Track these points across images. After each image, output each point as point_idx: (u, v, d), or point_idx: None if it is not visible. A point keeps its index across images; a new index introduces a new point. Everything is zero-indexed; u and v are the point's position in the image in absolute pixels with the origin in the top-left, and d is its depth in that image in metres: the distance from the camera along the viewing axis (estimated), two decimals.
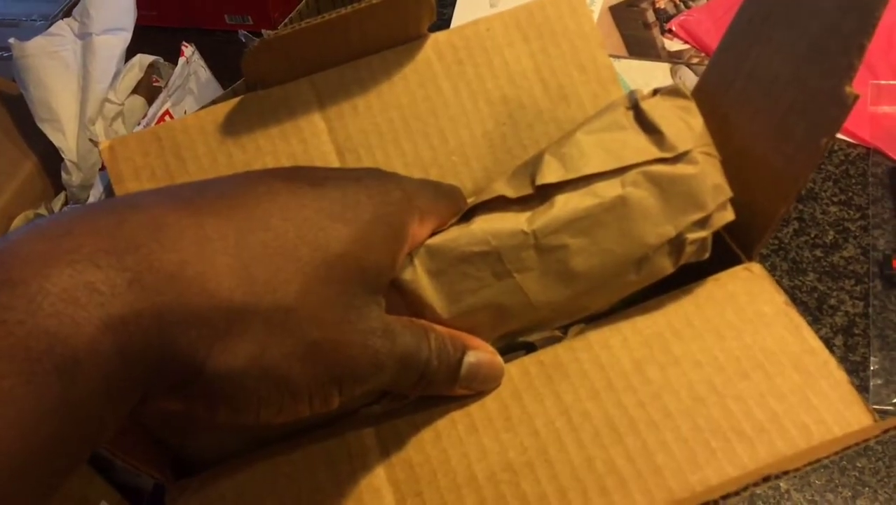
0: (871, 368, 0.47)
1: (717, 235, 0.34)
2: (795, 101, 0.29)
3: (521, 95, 0.37)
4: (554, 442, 0.29)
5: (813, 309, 0.51)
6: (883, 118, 0.59)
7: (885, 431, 0.25)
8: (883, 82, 0.61)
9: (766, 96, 0.31)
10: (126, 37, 0.61)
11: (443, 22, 0.71)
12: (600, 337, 0.31)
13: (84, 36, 0.65)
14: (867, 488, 0.43)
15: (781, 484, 0.44)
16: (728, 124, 0.33)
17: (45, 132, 0.57)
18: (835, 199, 0.56)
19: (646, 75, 0.64)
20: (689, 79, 0.64)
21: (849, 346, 0.49)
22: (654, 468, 0.28)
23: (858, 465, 0.44)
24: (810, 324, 0.49)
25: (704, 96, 0.33)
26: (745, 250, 0.33)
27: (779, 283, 0.51)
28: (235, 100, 0.36)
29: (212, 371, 0.22)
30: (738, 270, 0.32)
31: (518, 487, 0.28)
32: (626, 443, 0.28)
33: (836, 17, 0.27)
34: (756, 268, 0.32)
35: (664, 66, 0.65)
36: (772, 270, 0.53)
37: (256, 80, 0.35)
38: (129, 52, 0.59)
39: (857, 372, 0.48)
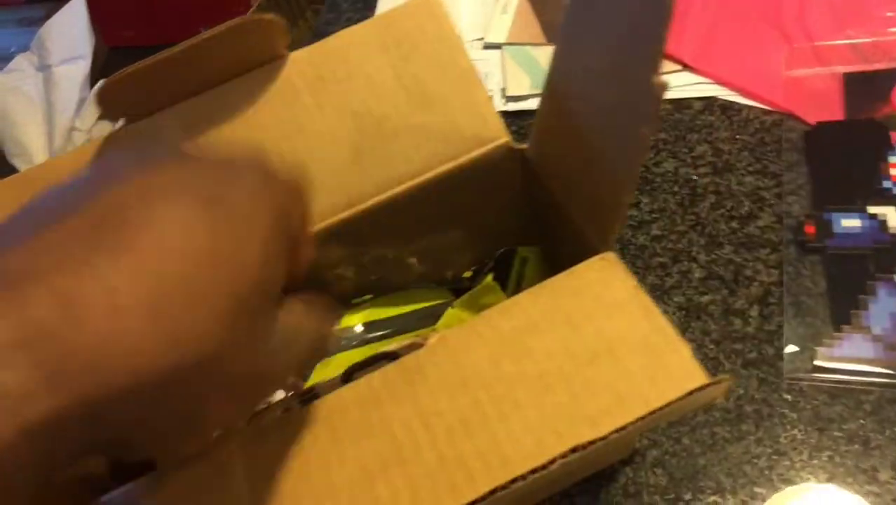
0: (785, 335, 0.47)
1: (576, 229, 0.34)
2: (619, 93, 0.30)
3: (384, 105, 0.37)
4: (410, 444, 0.29)
5: (729, 281, 0.51)
6: (797, 82, 0.59)
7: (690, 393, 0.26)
8: (796, 46, 0.61)
9: (598, 89, 0.31)
10: (85, 64, 0.62)
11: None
12: (459, 339, 0.32)
13: (43, 68, 0.66)
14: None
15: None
16: (574, 119, 0.33)
17: (17, 167, 0.59)
18: (750, 169, 0.56)
19: None
20: None
21: (764, 315, 0.49)
22: (503, 460, 0.28)
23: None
24: (726, 297, 0.49)
25: (553, 92, 0.34)
26: (601, 241, 0.34)
27: (695, 258, 0.51)
28: (102, 137, 0.36)
29: (140, 439, 0.22)
30: (593, 260, 0.33)
31: (373, 491, 0.29)
32: (477, 438, 0.29)
33: (636, 6, 0.27)
34: (610, 256, 0.33)
35: None
36: (689, 245, 0.53)
37: (118, 114, 0.36)
38: (106, 75, 0.60)
39: (771, 341, 0.48)
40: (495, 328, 0.32)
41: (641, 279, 0.52)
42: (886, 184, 0.52)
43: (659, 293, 0.52)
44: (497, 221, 0.43)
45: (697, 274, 0.52)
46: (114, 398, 0.20)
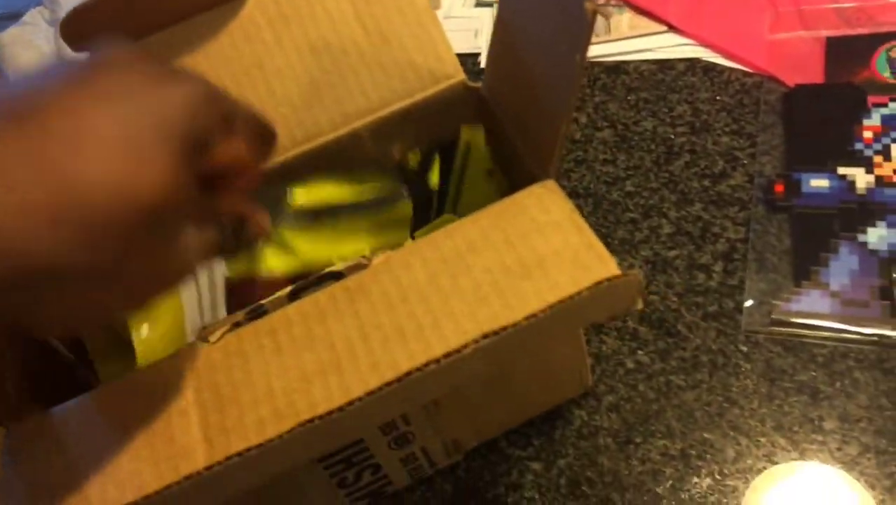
0: (746, 290, 0.48)
1: (518, 161, 0.35)
2: (557, 21, 0.31)
3: (343, 42, 0.38)
4: (347, 352, 0.31)
5: (696, 238, 0.52)
6: (780, 45, 0.59)
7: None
8: (782, 9, 0.61)
9: (537, 20, 0.32)
10: None
11: None
12: (402, 259, 0.33)
13: (55, 22, 0.67)
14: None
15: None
16: (518, 52, 0.34)
17: None
18: (727, 129, 0.57)
19: None
20: None
21: (727, 270, 0.50)
22: (429, 353, 0.30)
23: None
24: (692, 252, 0.50)
25: (503, 25, 0.35)
26: (541, 170, 0.34)
27: (665, 214, 0.52)
28: None
29: (33, 322, 0.25)
30: (533, 187, 0.34)
31: (309, 394, 0.30)
32: (410, 344, 0.30)
33: None
34: (550, 184, 0.34)
35: None
36: (660, 202, 0.54)
37: (81, 44, 0.37)
38: None
39: (732, 295, 0.49)
40: (437, 249, 0.33)
41: (611, 233, 0.53)
42: (858, 146, 0.52)
43: (627, 247, 0.52)
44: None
45: (666, 229, 0.53)
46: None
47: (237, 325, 0.34)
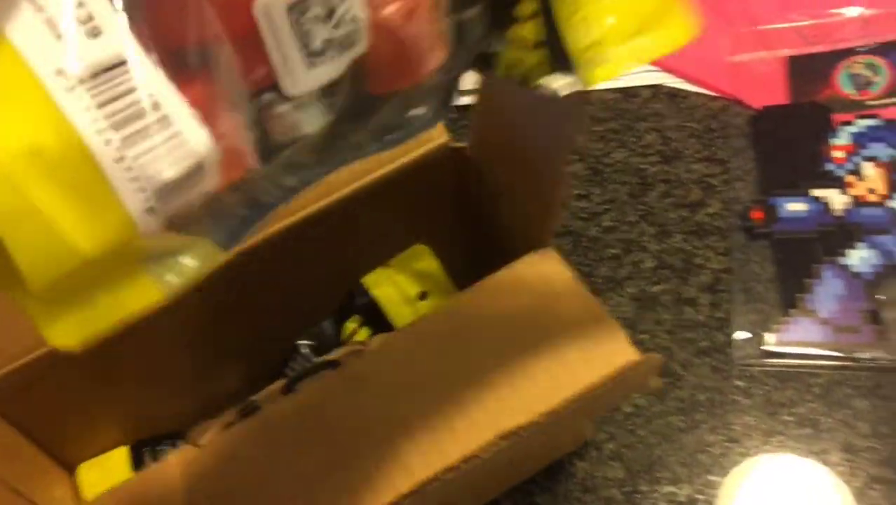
0: (734, 322, 0.48)
1: (511, 225, 0.34)
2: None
3: None
4: (350, 449, 0.29)
5: (680, 270, 0.51)
6: (741, 67, 0.59)
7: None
8: (740, 30, 0.61)
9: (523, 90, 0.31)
10: None
11: None
12: (400, 343, 0.31)
13: None
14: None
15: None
16: (507, 115, 0.33)
17: None
18: (698, 156, 0.56)
19: None
20: None
21: (714, 303, 0.49)
22: (442, 454, 0.28)
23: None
24: (678, 286, 0.50)
25: (487, 87, 0.33)
26: (537, 239, 0.33)
27: (646, 248, 0.51)
28: None
29: None
30: (530, 256, 0.33)
31: (311, 497, 0.28)
32: (418, 439, 0.29)
33: None
34: (548, 252, 0.33)
35: None
36: (640, 236, 0.53)
37: None
38: None
39: (721, 329, 0.48)
40: (436, 331, 0.31)
41: (594, 271, 0.52)
42: (829, 166, 0.53)
43: (612, 284, 0.52)
44: (428, 219, 0.43)
45: (649, 263, 0.52)
46: None
47: (229, 425, 0.32)
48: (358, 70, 0.20)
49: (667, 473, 0.44)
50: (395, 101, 0.22)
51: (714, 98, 0.59)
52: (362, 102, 0.21)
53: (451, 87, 0.24)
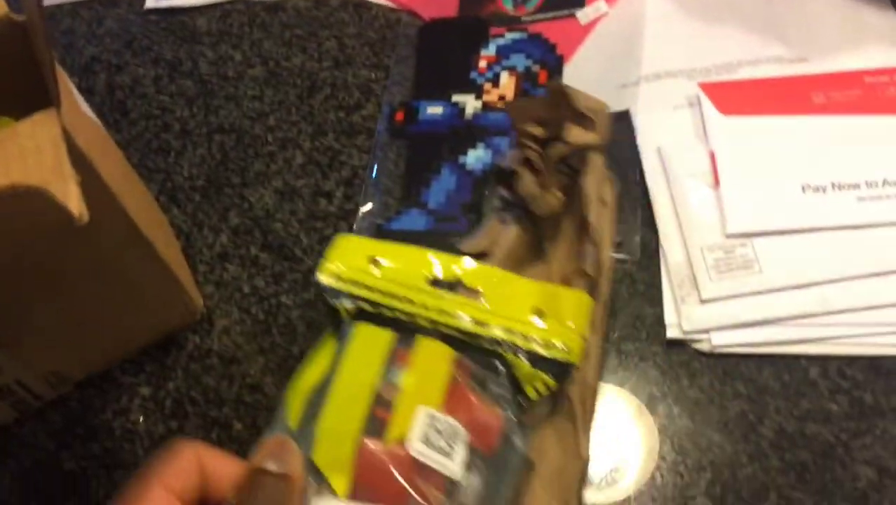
0: (360, 211, 0.51)
1: None
2: None
3: None
4: None
5: (324, 166, 0.54)
6: None
7: None
8: None
9: None
10: None
11: None
12: None
13: None
14: None
15: None
16: None
17: None
18: (367, 63, 0.59)
19: None
20: None
21: (347, 196, 0.53)
22: None
23: None
24: (318, 181, 0.52)
25: None
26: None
27: (300, 146, 0.54)
28: None
29: None
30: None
31: None
32: None
33: None
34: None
35: None
36: (298, 134, 0.56)
37: None
38: None
39: (347, 218, 0.52)
40: None
41: (248, 166, 0.55)
42: (473, 75, 0.56)
43: (262, 178, 0.54)
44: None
45: (299, 160, 0.55)
46: None
47: None
48: None
49: (266, 343, 0.47)
50: None
51: (394, 10, 0.62)
52: None
53: None
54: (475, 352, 0.38)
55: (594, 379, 0.41)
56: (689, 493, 0.40)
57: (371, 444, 0.33)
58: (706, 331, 0.43)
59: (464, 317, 0.38)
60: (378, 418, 0.34)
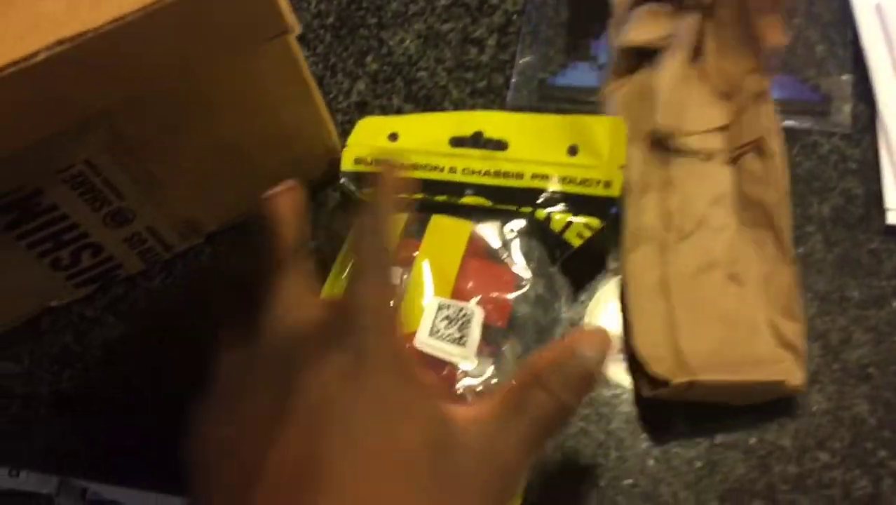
0: (517, 63, 0.45)
1: None
2: None
3: None
4: None
5: (473, 10, 0.48)
6: None
7: None
8: None
9: None
10: None
11: None
12: None
13: None
14: None
15: None
16: None
17: None
18: None
19: None
20: None
21: (501, 44, 0.47)
22: None
23: None
24: (468, 25, 0.46)
25: None
26: None
27: None
28: None
29: None
30: None
31: None
32: None
33: None
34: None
35: None
36: None
37: None
38: None
39: (502, 70, 0.46)
40: None
41: (385, 5, 0.49)
42: None
43: (401, 20, 0.48)
44: None
45: (443, 1, 0.48)
46: None
47: None
48: None
49: None
50: None
51: None
52: None
53: None
54: (502, 215, 0.36)
55: (783, 183, 0.37)
56: None
57: None
58: None
59: (490, 171, 0.37)
60: None
